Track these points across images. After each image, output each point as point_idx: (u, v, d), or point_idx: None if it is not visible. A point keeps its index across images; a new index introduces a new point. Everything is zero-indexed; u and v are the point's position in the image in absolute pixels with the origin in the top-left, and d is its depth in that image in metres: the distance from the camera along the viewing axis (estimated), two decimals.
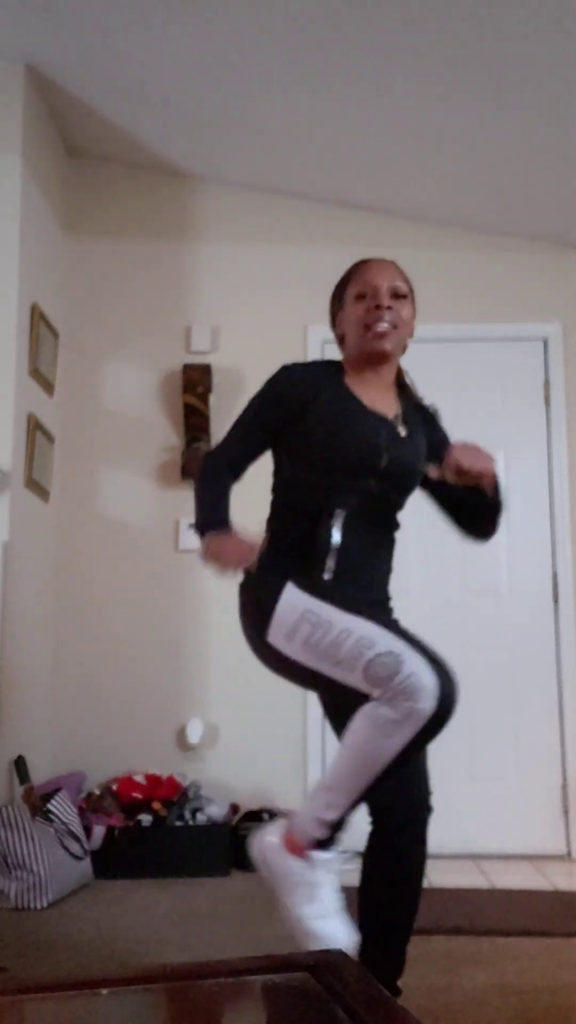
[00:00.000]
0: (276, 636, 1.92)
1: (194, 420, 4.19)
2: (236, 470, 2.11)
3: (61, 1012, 1.27)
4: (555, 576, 4.21)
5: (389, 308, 2.05)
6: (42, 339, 3.91)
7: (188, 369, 4.23)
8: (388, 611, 2.10)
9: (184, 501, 4.17)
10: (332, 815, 1.83)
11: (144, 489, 4.28)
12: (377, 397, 2.09)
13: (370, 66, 3.47)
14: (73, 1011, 1.27)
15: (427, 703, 1.77)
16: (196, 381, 4.20)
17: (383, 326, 2.04)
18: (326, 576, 1.96)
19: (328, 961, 1.35)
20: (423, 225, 4.46)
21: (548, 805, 4.08)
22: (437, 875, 3.65)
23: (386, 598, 2.11)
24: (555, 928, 2.82)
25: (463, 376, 4.34)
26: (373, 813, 1.96)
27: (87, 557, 4.23)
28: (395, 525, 2.12)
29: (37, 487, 3.88)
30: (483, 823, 4.06)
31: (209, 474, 2.09)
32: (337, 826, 1.84)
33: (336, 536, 1.98)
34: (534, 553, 4.24)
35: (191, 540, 4.20)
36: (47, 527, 4.08)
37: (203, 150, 4.25)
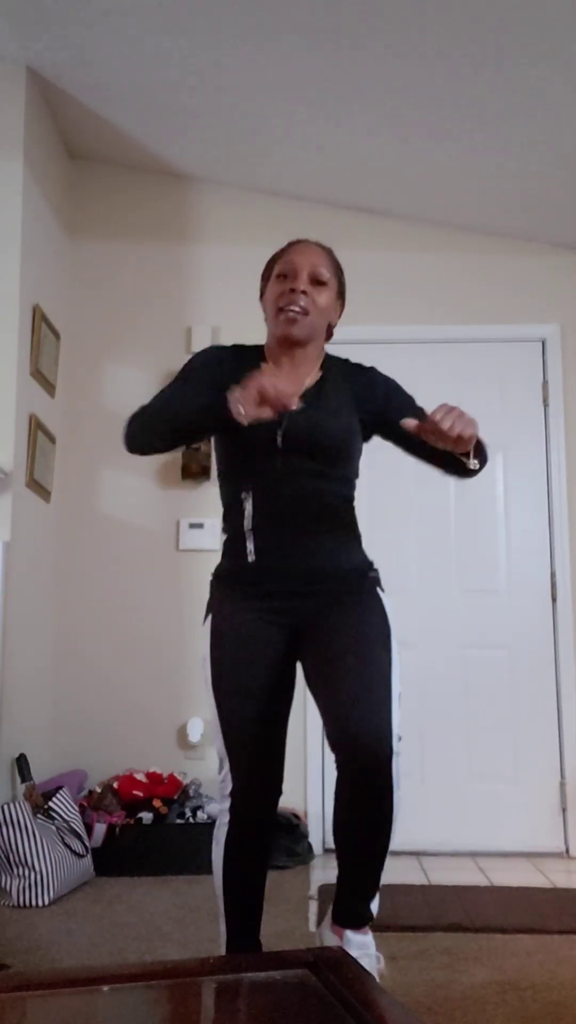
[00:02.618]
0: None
1: None
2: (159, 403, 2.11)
3: (63, 1009, 1.28)
4: (553, 576, 4.23)
5: (304, 292, 2.03)
6: (43, 340, 3.93)
7: None
8: (316, 595, 2.02)
9: (184, 501, 4.19)
10: (221, 924, 2.01)
11: (145, 489, 4.29)
12: (287, 375, 2.06)
13: (370, 69, 3.48)
14: (75, 1008, 1.28)
15: (227, 805, 2.00)
16: None
17: (294, 310, 2.02)
18: (250, 559, 2.01)
19: (327, 958, 1.36)
20: (422, 226, 4.48)
21: (546, 803, 4.10)
22: (436, 872, 3.67)
23: (321, 573, 2.02)
24: (553, 925, 2.84)
25: (461, 377, 4.36)
26: (337, 764, 1.95)
27: (88, 557, 4.25)
28: (327, 492, 2.04)
29: (38, 487, 3.90)
30: (481, 821, 4.07)
31: (135, 416, 2.08)
32: (231, 925, 2.00)
33: (248, 519, 2.01)
34: (532, 553, 4.26)
35: (191, 540, 4.22)
36: (48, 527, 4.10)
37: (204, 152, 4.26)
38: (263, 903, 2.07)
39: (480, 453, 1.90)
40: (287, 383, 1.86)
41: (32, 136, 3.82)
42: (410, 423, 1.83)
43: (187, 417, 1.99)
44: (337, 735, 1.92)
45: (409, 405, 2.14)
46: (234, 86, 3.70)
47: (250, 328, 4.35)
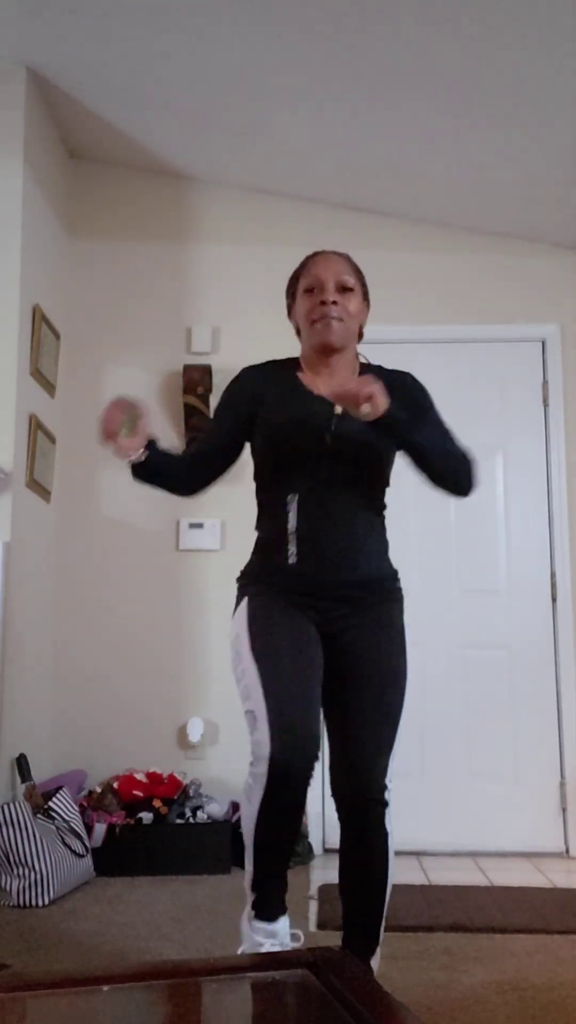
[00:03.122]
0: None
1: (194, 421, 4.20)
2: (196, 448, 2.32)
3: (63, 1009, 1.28)
4: (553, 575, 4.23)
5: (335, 303, 2.13)
6: (43, 340, 3.93)
7: (189, 370, 4.25)
8: (350, 601, 2.11)
9: (184, 501, 4.18)
10: (247, 882, 2.05)
11: (145, 489, 4.26)
12: (326, 383, 2.17)
13: (370, 69, 3.48)
14: (74, 1008, 1.28)
15: (262, 768, 1.94)
16: (197, 382, 4.22)
17: (328, 320, 2.13)
18: (291, 561, 2.08)
19: (328, 958, 1.36)
20: (422, 227, 4.48)
21: (546, 803, 4.10)
22: (436, 872, 3.67)
23: (354, 581, 2.11)
24: (553, 925, 2.84)
25: (462, 377, 4.36)
26: (337, 811, 2.07)
27: (88, 557, 4.25)
28: (365, 501, 2.15)
29: (38, 487, 3.90)
30: (481, 821, 4.08)
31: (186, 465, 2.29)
32: (258, 890, 2.04)
33: (292, 521, 2.09)
34: (532, 553, 4.26)
35: (191, 540, 4.23)
36: (48, 527, 4.10)
37: (204, 152, 4.26)
38: (290, 857, 2.12)
39: (407, 429, 2.03)
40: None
41: (32, 136, 3.82)
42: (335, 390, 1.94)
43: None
44: (339, 788, 2.05)
45: (424, 413, 2.21)
46: (234, 86, 3.71)
47: (250, 328, 4.39)
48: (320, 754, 2.01)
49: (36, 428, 3.83)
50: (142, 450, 2.10)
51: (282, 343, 4.27)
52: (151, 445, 2.14)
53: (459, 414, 4.34)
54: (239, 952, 2.05)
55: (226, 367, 4.30)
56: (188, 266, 4.46)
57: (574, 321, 4.39)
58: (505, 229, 4.42)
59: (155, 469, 2.18)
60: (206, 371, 4.24)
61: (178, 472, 2.23)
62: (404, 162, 4.06)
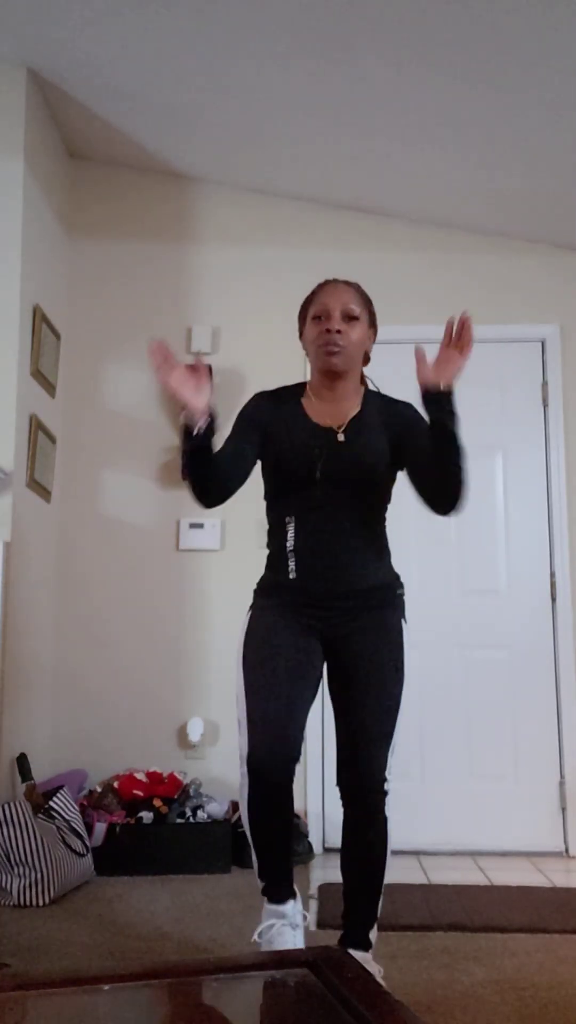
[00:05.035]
0: None
1: None
2: (221, 453, 2.29)
3: (63, 1008, 1.28)
4: (552, 575, 4.23)
5: (339, 332, 2.25)
6: (44, 340, 3.93)
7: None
8: (347, 609, 2.25)
9: (184, 501, 4.20)
10: (255, 871, 2.25)
11: (145, 489, 4.30)
12: (331, 409, 2.31)
13: (371, 70, 3.48)
14: (75, 1007, 1.28)
15: (245, 768, 2.18)
16: None
17: (333, 348, 2.25)
18: (291, 576, 2.25)
19: (328, 957, 1.36)
20: (422, 227, 4.48)
21: (546, 802, 4.10)
22: (436, 872, 3.68)
23: (353, 591, 2.25)
24: (553, 925, 2.85)
25: (461, 377, 4.33)
26: (341, 799, 2.25)
27: (88, 557, 4.25)
28: (362, 518, 2.28)
29: (39, 487, 3.90)
30: (481, 820, 4.08)
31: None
32: (265, 877, 2.23)
33: (290, 540, 2.27)
34: (532, 553, 4.26)
35: (191, 540, 4.23)
36: (49, 527, 4.10)
37: (204, 153, 4.26)
38: (291, 841, 2.31)
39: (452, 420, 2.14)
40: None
41: (32, 136, 3.83)
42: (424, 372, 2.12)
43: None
44: (343, 778, 2.23)
45: (423, 435, 2.27)
46: (235, 86, 3.71)
47: (250, 328, 4.39)
48: (304, 755, 2.21)
49: (36, 428, 3.83)
50: (207, 417, 2.13)
51: (282, 343, 4.30)
52: (211, 416, 2.16)
53: (459, 414, 4.38)
54: (256, 931, 2.24)
55: (226, 367, 4.31)
56: (188, 266, 4.46)
57: (574, 321, 4.39)
58: (505, 229, 4.42)
59: (209, 447, 2.17)
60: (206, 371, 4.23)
61: (220, 462, 2.22)
62: (405, 163, 4.06)
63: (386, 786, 2.21)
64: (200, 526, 4.21)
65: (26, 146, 3.74)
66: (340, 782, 2.23)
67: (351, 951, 2.17)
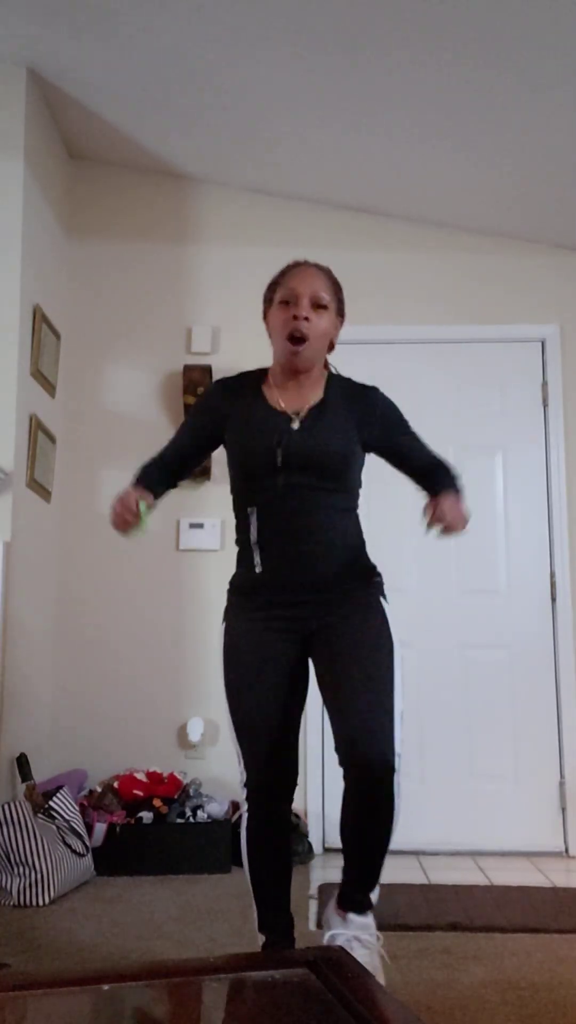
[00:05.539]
0: None
1: None
2: (165, 459, 2.40)
3: (63, 1008, 1.28)
4: (552, 575, 4.23)
5: (307, 319, 2.16)
6: (44, 340, 3.93)
7: (189, 370, 4.25)
8: (319, 600, 2.17)
9: (184, 501, 4.20)
10: (256, 924, 2.18)
11: None
12: (293, 396, 2.24)
13: (371, 70, 3.48)
14: (75, 1007, 1.29)
15: (245, 795, 2.15)
16: (197, 382, 4.22)
17: (298, 337, 2.16)
18: (257, 570, 2.18)
19: (328, 957, 1.36)
20: (422, 227, 4.48)
21: (546, 802, 4.10)
22: (436, 872, 3.68)
23: (323, 582, 2.17)
24: (553, 924, 2.84)
25: (461, 377, 4.36)
26: (344, 779, 2.11)
27: (88, 557, 4.25)
28: (329, 503, 2.18)
29: (39, 487, 3.90)
30: (481, 820, 4.08)
31: (145, 463, 2.42)
32: (265, 931, 2.16)
33: (254, 532, 2.19)
34: (532, 553, 4.26)
35: (191, 540, 4.23)
36: (49, 527, 4.10)
37: (204, 153, 4.26)
38: (290, 889, 2.21)
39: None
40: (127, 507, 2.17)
41: (32, 136, 3.83)
42: (427, 510, 2.08)
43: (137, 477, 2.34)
44: (345, 757, 2.07)
45: (402, 430, 2.30)
46: (234, 87, 3.71)
47: (250, 329, 4.36)
48: (303, 755, 2.16)
49: (36, 428, 3.83)
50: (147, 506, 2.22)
51: None
52: (152, 495, 2.28)
53: (459, 414, 4.40)
54: None
55: (226, 367, 4.30)
56: (188, 266, 4.46)
57: (574, 321, 4.39)
58: (505, 229, 4.42)
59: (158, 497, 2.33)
60: (206, 371, 4.24)
61: (170, 483, 2.40)
62: (404, 162, 4.06)
63: (396, 763, 2.04)
64: (200, 526, 4.21)
65: (26, 146, 3.74)
66: (342, 759, 2.08)
67: (351, 915, 2.11)
